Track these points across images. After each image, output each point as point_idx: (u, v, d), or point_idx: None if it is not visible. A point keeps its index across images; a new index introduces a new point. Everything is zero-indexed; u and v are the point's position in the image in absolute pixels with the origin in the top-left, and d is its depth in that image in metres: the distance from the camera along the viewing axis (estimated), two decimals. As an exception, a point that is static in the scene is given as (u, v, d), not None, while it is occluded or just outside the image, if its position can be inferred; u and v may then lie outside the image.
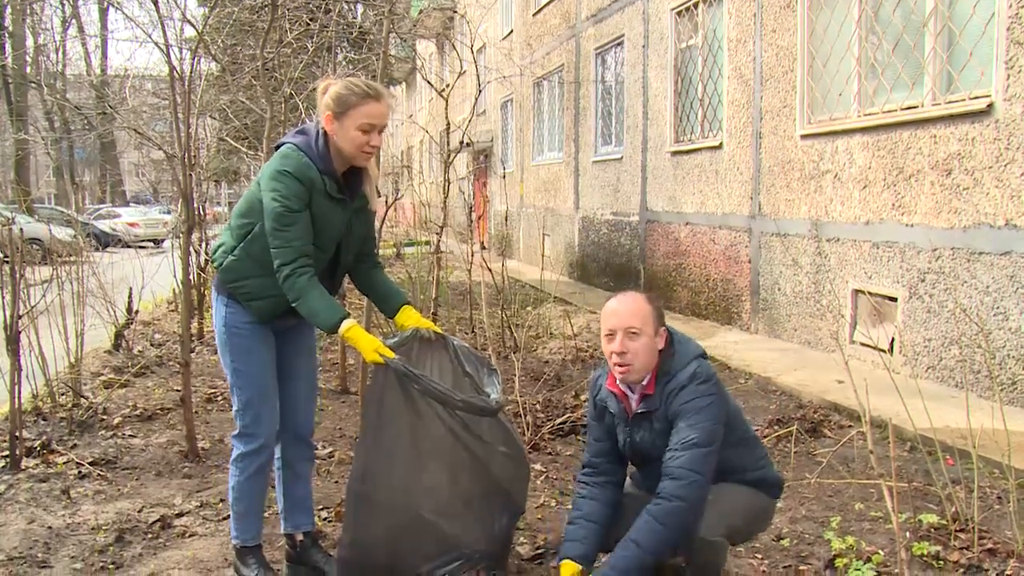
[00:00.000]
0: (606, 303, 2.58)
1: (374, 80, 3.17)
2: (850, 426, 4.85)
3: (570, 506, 3.65)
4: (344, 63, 10.72)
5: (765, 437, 4.61)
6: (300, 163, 2.58)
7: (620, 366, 2.49)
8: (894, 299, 6.19)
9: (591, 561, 2.55)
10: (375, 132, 2.62)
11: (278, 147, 2.70)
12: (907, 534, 3.14)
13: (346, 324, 2.54)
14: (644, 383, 2.53)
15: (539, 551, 3.11)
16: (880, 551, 3.06)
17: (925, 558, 2.99)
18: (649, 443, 2.55)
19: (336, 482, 3.95)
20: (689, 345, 2.58)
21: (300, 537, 3.01)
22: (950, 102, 5.63)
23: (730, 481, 2.57)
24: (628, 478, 2.81)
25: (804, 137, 7.18)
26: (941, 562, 2.98)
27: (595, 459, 2.71)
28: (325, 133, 2.64)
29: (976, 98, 5.37)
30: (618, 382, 2.59)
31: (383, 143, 2.75)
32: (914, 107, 5.94)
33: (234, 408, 2.82)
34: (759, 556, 3.12)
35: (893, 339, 6.16)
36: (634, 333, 2.47)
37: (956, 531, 3.17)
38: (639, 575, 2.37)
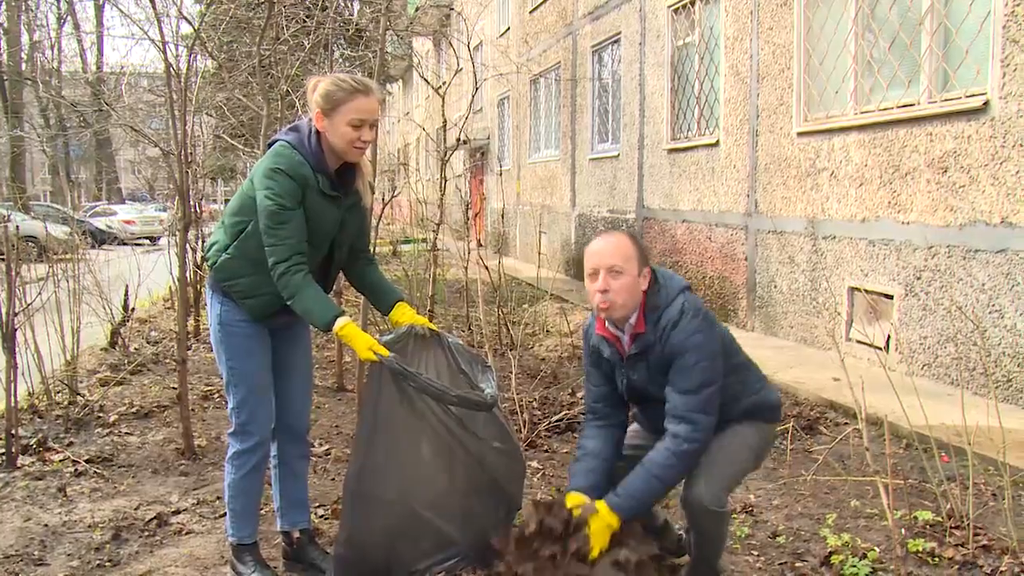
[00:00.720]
0: (589, 244, 2.58)
1: (368, 76, 3.17)
2: (846, 423, 4.87)
3: (567, 503, 3.66)
4: (341, 60, 10.70)
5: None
6: (293, 160, 2.58)
7: (602, 304, 2.50)
8: (890, 297, 6.20)
9: (600, 493, 2.53)
10: (366, 127, 2.62)
11: (271, 144, 2.69)
12: (902, 531, 3.15)
13: (340, 322, 2.54)
14: (632, 322, 2.52)
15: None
16: (876, 548, 3.07)
17: (920, 555, 3.00)
18: (645, 381, 2.55)
19: (333, 479, 3.95)
20: (673, 280, 2.57)
21: (297, 534, 3.01)
22: (946, 100, 5.64)
23: (730, 409, 2.56)
24: (633, 419, 2.82)
25: (800, 135, 7.18)
26: (936, 558, 2.98)
27: (595, 404, 2.73)
28: (317, 131, 2.64)
29: (972, 96, 5.38)
30: (606, 324, 2.59)
31: (379, 140, 2.75)
32: (910, 105, 5.95)
33: (229, 406, 2.82)
34: (755, 553, 3.13)
35: (889, 337, 6.17)
36: (617, 272, 2.46)
37: (951, 528, 3.18)
38: (650, 503, 2.52)
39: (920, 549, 3.01)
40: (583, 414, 2.92)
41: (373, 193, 3.07)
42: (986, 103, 5.25)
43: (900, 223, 6.05)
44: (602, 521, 2.39)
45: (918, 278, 5.89)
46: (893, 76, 6.15)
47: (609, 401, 2.70)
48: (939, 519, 3.26)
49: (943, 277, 5.65)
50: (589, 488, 2.53)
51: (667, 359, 2.47)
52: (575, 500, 2.47)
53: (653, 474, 2.44)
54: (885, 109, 6.20)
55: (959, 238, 5.51)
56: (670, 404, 2.46)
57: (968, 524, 3.10)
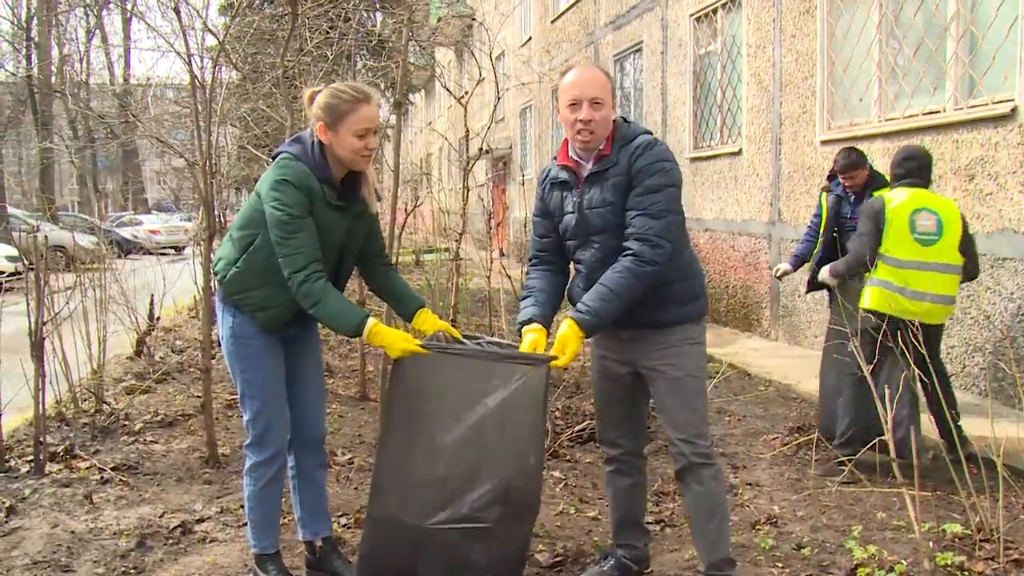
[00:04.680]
0: (565, 76, 2.67)
1: (391, 86, 3.18)
2: (872, 434, 4.80)
3: (589, 513, 3.65)
4: (363, 71, 10.78)
5: (785, 444, 4.58)
6: (299, 172, 2.59)
7: (584, 133, 2.58)
8: (916, 306, 6.11)
9: (549, 321, 2.70)
10: (370, 135, 2.63)
11: (275, 156, 2.71)
12: (930, 544, 3.10)
13: (370, 323, 2.54)
14: (601, 147, 2.62)
15: (558, 559, 3.11)
16: (903, 561, 3.03)
17: (949, 568, 2.95)
18: (600, 202, 2.60)
19: (356, 489, 3.95)
20: (638, 123, 2.71)
21: (319, 544, 3.02)
22: (972, 107, 5.57)
23: (662, 295, 2.59)
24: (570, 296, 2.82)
25: (824, 143, 7.13)
26: (966, 572, 2.94)
27: (540, 252, 2.83)
28: (320, 141, 2.64)
29: (999, 102, 5.31)
30: (572, 153, 2.68)
31: (401, 149, 2.76)
32: (936, 112, 5.88)
33: (245, 418, 2.83)
34: (779, 565, 3.10)
35: (915, 346, 6.09)
36: (598, 103, 2.56)
37: (981, 541, 3.13)
38: (610, 320, 2.51)
39: (949, 562, 2.96)
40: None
41: (380, 200, 3.07)
42: (1014, 109, 5.18)
43: (926, 231, 5.97)
44: (571, 331, 2.49)
45: (945, 287, 5.80)
46: (918, 83, 6.09)
47: (553, 249, 2.80)
48: (968, 532, 3.21)
49: (970, 286, 5.57)
50: (540, 317, 2.67)
51: (630, 178, 2.54)
52: (535, 332, 2.60)
53: (614, 292, 2.47)
54: (910, 116, 6.14)
55: (986, 246, 5.43)
56: (632, 228, 2.51)
57: (998, 537, 3.05)
